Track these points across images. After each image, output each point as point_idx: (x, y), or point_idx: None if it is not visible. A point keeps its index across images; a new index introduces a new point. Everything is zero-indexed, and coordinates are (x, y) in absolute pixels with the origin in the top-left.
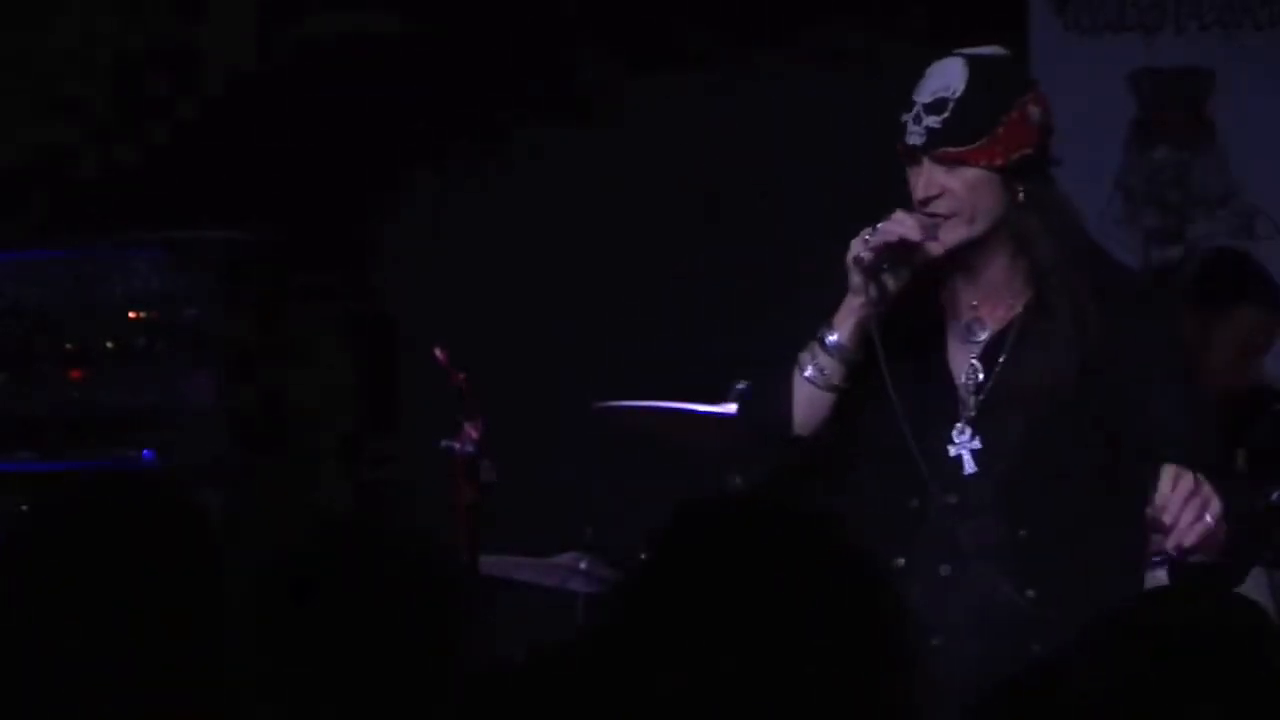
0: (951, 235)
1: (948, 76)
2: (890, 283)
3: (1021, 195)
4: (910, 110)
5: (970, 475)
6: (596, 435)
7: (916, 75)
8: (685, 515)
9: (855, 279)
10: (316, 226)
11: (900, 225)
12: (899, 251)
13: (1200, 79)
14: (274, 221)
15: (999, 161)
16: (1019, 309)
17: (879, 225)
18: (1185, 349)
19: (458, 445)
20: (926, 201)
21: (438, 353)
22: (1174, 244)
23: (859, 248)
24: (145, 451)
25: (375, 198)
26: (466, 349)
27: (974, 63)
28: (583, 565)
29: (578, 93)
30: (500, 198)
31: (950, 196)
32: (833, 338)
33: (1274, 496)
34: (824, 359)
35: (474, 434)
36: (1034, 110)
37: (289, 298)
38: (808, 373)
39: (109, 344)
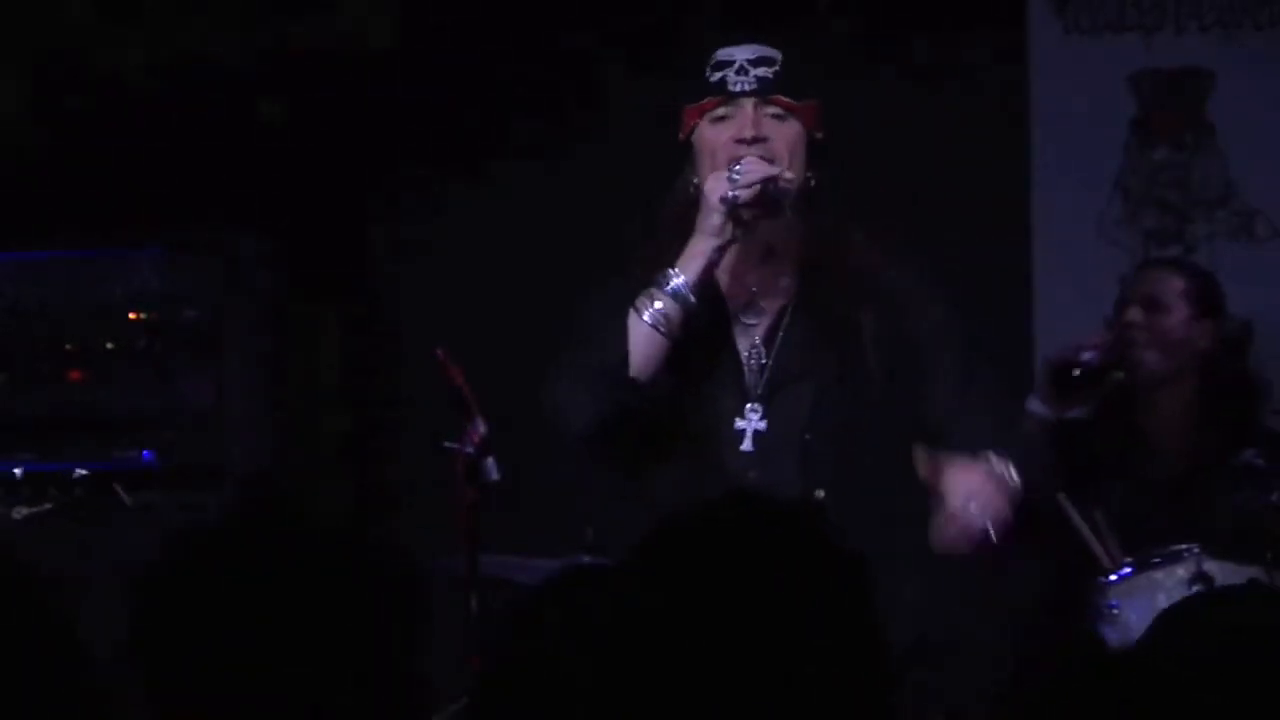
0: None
1: (761, 48)
2: (745, 221)
3: (812, 181)
4: (728, 67)
5: (746, 452)
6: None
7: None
8: (672, 518)
9: (715, 219)
10: (316, 227)
11: (764, 165)
12: (759, 193)
13: (1200, 80)
14: (274, 222)
15: (812, 127)
16: (792, 291)
17: (739, 167)
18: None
19: (459, 446)
20: (753, 141)
21: (439, 353)
22: (1174, 244)
23: (724, 188)
24: (145, 453)
25: (375, 199)
26: (467, 349)
27: (781, 50)
28: None
29: (579, 94)
30: (500, 199)
31: (774, 143)
32: (678, 280)
33: (1274, 497)
34: (666, 303)
35: (475, 435)
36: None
37: (289, 298)
38: (646, 316)
39: (109, 345)
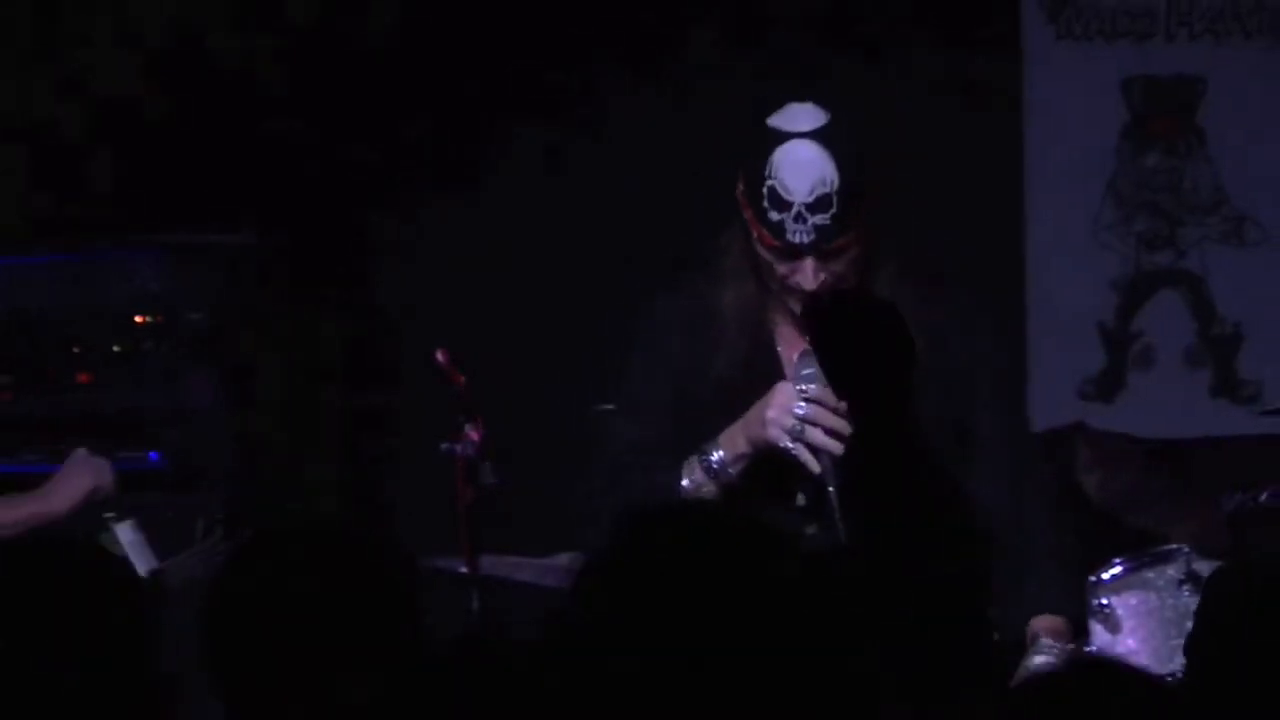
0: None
1: (819, 169)
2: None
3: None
4: (787, 210)
5: (800, 506)
6: (595, 437)
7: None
8: (634, 519)
9: (765, 443)
10: (316, 230)
11: (829, 418)
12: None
13: (1191, 86)
14: (275, 225)
15: (866, 231)
16: None
17: (804, 411)
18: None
19: (458, 448)
20: (819, 287)
21: (439, 355)
22: (1165, 249)
23: (786, 437)
24: (152, 454)
25: (375, 202)
26: (465, 351)
27: (835, 148)
28: None
29: (579, 98)
30: (499, 201)
31: (837, 278)
32: (717, 456)
33: (1263, 497)
34: (701, 476)
35: (474, 436)
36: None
37: (289, 300)
38: (685, 483)
39: (115, 347)
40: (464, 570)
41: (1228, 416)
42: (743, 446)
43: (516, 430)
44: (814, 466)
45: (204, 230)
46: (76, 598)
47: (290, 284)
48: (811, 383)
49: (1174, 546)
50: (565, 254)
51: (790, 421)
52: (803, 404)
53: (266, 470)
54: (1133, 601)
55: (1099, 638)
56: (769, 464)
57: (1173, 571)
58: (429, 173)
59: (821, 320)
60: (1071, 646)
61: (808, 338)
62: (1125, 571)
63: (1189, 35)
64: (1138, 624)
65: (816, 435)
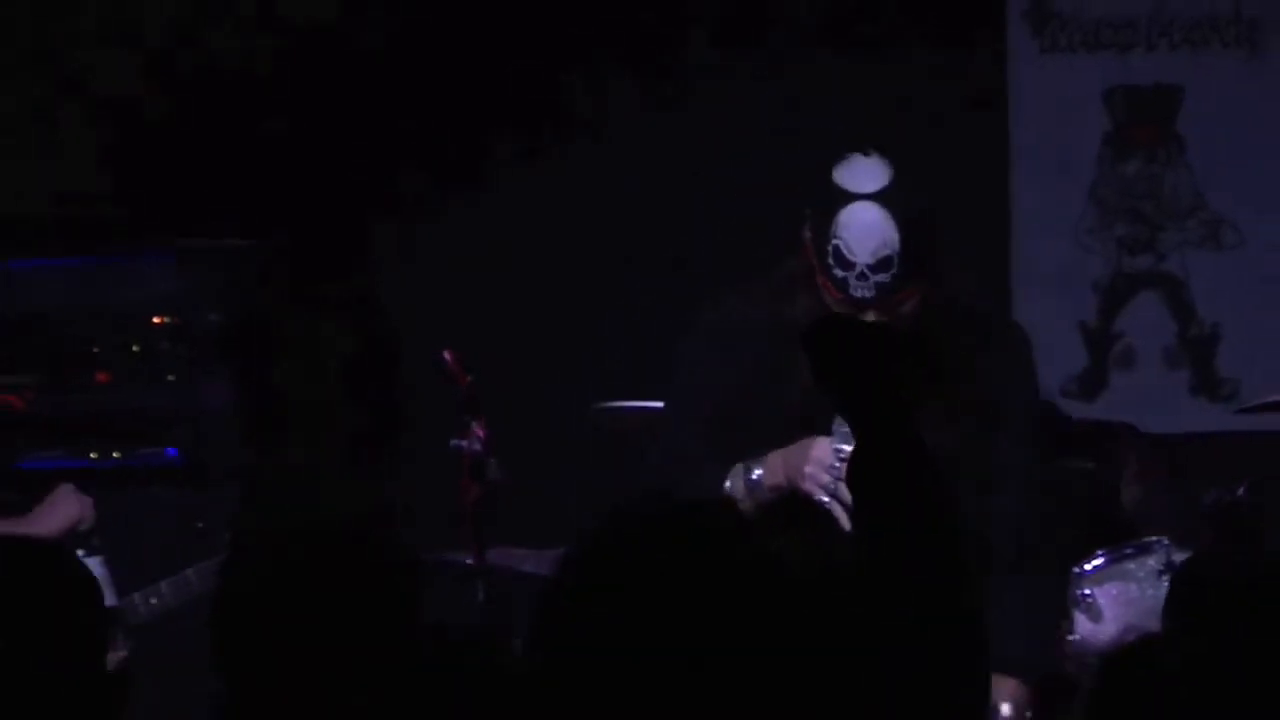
0: None
1: (882, 233)
2: None
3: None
4: (850, 269)
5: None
6: (595, 435)
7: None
8: (613, 517)
9: (805, 487)
10: (324, 233)
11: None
12: None
13: (1171, 96)
14: (283, 229)
15: (927, 284)
16: None
17: (839, 471)
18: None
19: (465, 444)
20: None
21: (446, 355)
22: (1146, 252)
23: (821, 491)
24: (170, 450)
25: (380, 206)
26: (469, 350)
27: (896, 210)
28: None
29: (579, 103)
30: (501, 204)
31: (900, 320)
32: (757, 474)
33: (1240, 492)
34: (741, 489)
35: (480, 433)
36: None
37: (298, 301)
38: (727, 485)
39: (134, 348)
40: (470, 562)
41: (1206, 413)
42: (781, 480)
43: (519, 427)
44: (846, 524)
45: (217, 235)
46: (30, 592)
47: (297, 285)
48: (848, 443)
49: (1154, 539)
50: (566, 254)
51: (825, 479)
52: (838, 463)
53: (277, 467)
54: (1114, 591)
55: (1082, 627)
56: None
57: (1153, 562)
58: (431, 175)
59: (821, 347)
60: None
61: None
62: (1107, 563)
63: (1168, 46)
64: (1119, 613)
65: (849, 493)
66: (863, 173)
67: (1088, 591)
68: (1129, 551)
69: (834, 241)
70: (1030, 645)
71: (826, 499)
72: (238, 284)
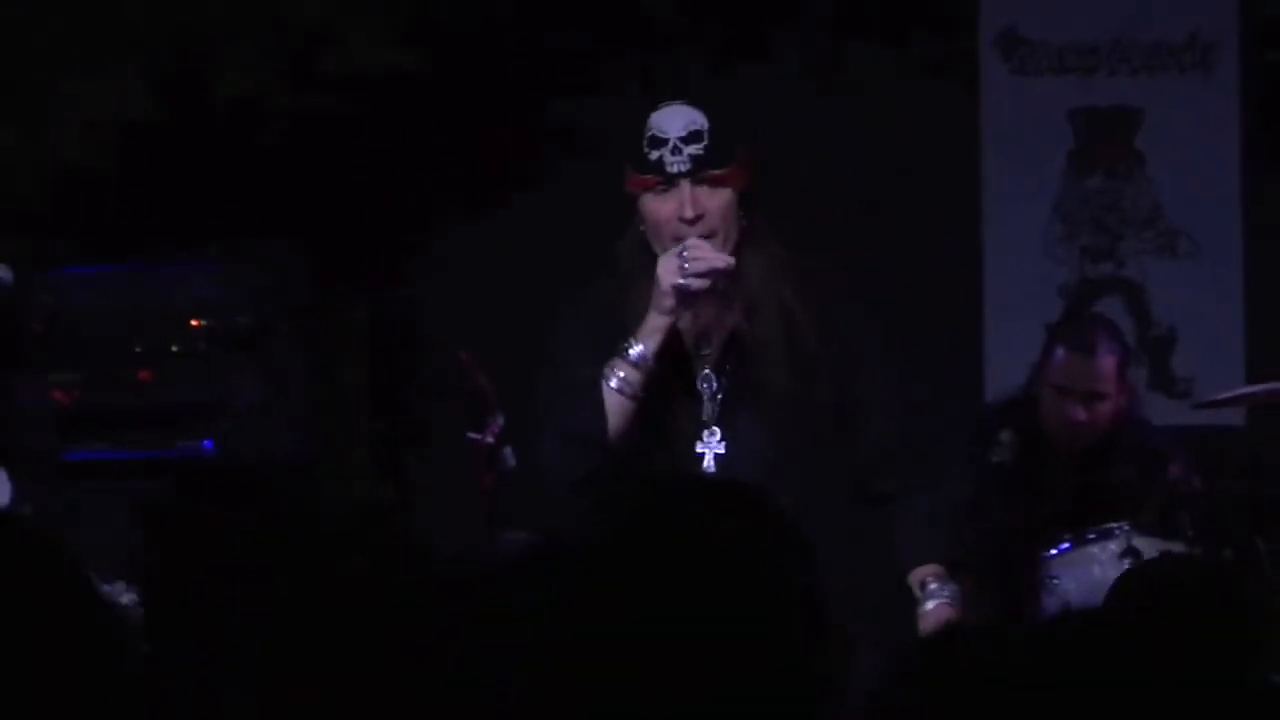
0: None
1: (688, 116)
2: (694, 301)
3: (745, 222)
4: (663, 145)
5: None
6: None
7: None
8: (631, 495)
9: (668, 302)
10: (350, 241)
11: (711, 254)
12: (707, 282)
13: (1131, 116)
14: (312, 236)
15: (742, 185)
16: (738, 321)
17: (686, 253)
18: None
19: (480, 437)
20: (693, 220)
21: (462, 355)
22: (1107, 260)
23: (675, 275)
24: (206, 442)
25: (401, 219)
26: (485, 350)
27: (703, 109)
28: None
29: (592, 119)
30: (515, 217)
31: (710, 217)
32: (636, 350)
33: (1195, 483)
34: (628, 370)
35: (495, 427)
36: (749, 153)
37: (325, 304)
38: (613, 383)
39: (174, 348)
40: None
41: (1164, 408)
42: (653, 321)
43: (530, 420)
44: (709, 263)
45: (251, 243)
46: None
47: (326, 290)
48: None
49: (1115, 525)
50: (573, 261)
51: (675, 263)
52: (683, 250)
53: (308, 459)
54: (1078, 574)
55: (1048, 609)
56: (673, 357)
57: (1114, 547)
58: (454, 191)
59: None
60: (954, 587)
61: None
62: (1071, 547)
63: (1129, 71)
64: (1084, 596)
65: (699, 265)
66: (674, 109)
67: (1054, 575)
68: (1092, 537)
69: (647, 134)
70: (934, 545)
71: (683, 279)
72: (272, 289)
